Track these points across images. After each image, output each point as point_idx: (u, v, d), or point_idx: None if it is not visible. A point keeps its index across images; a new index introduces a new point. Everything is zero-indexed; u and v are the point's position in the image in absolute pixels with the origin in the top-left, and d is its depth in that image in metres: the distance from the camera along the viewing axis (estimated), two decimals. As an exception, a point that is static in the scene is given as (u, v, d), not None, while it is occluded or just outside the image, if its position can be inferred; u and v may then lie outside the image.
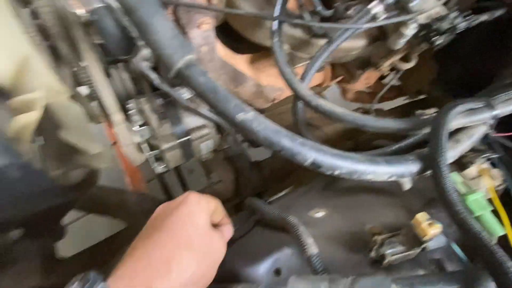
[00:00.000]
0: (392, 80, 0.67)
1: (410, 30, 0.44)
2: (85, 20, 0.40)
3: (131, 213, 0.69)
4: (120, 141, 0.50)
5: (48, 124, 0.59)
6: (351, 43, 0.50)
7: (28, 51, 0.39)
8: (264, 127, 0.29)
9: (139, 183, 0.99)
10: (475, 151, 0.35)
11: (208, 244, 0.27)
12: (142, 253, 0.24)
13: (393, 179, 0.31)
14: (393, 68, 0.63)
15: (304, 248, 0.32)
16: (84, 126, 0.53)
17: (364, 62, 0.59)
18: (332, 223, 0.39)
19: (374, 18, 0.41)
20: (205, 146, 0.55)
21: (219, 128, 0.55)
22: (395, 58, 0.56)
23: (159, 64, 0.51)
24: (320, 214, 0.42)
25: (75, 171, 0.61)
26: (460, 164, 0.34)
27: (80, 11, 0.37)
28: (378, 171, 0.30)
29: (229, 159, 0.76)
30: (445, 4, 0.45)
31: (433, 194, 0.39)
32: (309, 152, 0.29)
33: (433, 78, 0.75)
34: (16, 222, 0.42)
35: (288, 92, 0.60)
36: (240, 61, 0.55)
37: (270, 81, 0.57)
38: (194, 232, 0.26)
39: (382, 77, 0.83)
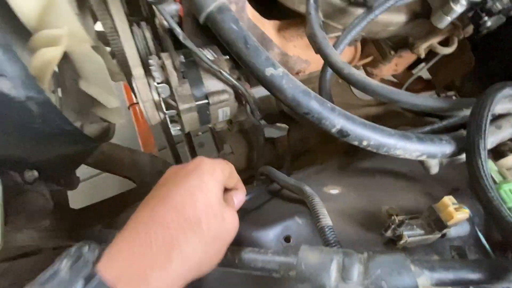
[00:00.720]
0: (423, 68, 0.63)
1: (459, 7, 0.40)
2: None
3: (142, 173, 0.69)
4: (139, 97, 0.49)
5: (68, 75, 0.59)
6: (391, 17, 0.46)
7: (55, -9, 0.38)
8: (293, 85, 0.27)
9: (151, 148, 0.99)
10: (516, 140, 0.32)
11: (219, 225, 0.24)
12: (143, 230, 0.21)
13: (423, 158, 0.29)
14: (427, 56, 0.59)
15: (318, 218, 0.31)
16: (105, 78, 0.52)
17: (400, 42, 0.55)
18: (347, 200, 0.37)
19: (423, -13, 0.37)
20: (222, 113, 0.54)
21: (238, 97, 0.54)
22: (435, 40, 0.52)
23: (183, 20, 0.49)
24: (334, 191, 0.40)
25: (92, 125, 0.61)
26: (498, 152, 0.32)
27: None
28: (408, 147, 0.28)
29: (243, 132, 0.75)
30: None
31: (457, 184, 0.37)
32: (338, 118, 0.27)
33: (467, 72, 0.70)
34: (32, 163, 0.42)
35: (313, 67, 0.58)
36: (268, 27, 0.52)
37: (296, 52, 0.54)
38: (203, 210, 0.23)
39: (411, 68, 0.79)
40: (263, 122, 0.82)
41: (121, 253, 0.20)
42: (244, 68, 0.28)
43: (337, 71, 0.35)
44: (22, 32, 0.37)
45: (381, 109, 0.82)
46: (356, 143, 0.28)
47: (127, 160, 0.71)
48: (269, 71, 0.27)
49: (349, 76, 0.34)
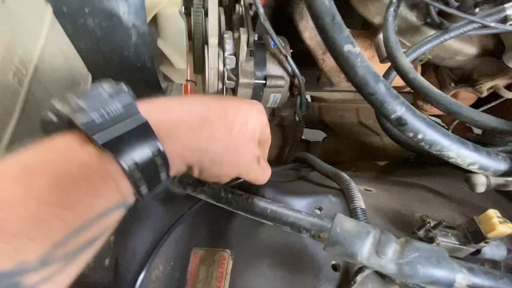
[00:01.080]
0: (481, 109, 0.62)
1: (537, 48, 0.41)
2: None
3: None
4: (207, 63, 0.54)
5: (151, 31, 0.66)
6: (462, 46, 0.47)
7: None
8: (366, 65, 0.29)
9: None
10: None
11: (246, 145, 0.23)
12: (187, 101, 0.21)
13: (474, 168, 0.30)
14: (487, 98, 0.58)
15: (352, 200, 0.32)
16: (181, 41, 0.58)
17: (462, 76, 0.55)
18: (381, 199, 0.37)
19: (505, 20, 0.38)
20: (273, 98, 0.57)
21: (291, 88, 0.57)
22: (501, 82, 0.52)
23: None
24: (369, 190, 0.41)
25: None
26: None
27: None
28: (462, 151, 0.29)
29: (282, 126, 0.78)
30: None
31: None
32: (400, 106, 0.29)
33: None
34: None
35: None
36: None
37: (358, 61, 0.57)
38: (240, 123, 0.22)
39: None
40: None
41: (159, 102, 0.19)
42: (324, 41, 0.31)
43: (403, 75, 0.36)
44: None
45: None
46: (411, 134, 0.29)
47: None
48: (347, 47, 0.29)
49: (414, 80, 0.35)
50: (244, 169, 0.24)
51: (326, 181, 0.38)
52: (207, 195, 0.29)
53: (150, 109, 0.18)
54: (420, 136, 0.29)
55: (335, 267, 0.28)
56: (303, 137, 0.80)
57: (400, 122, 0.29)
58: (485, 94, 0.54)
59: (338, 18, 0.29)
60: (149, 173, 0.17)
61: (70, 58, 0.31)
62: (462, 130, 0.84)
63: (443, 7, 0.39)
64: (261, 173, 0.26)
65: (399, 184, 0.43)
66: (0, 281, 0.13)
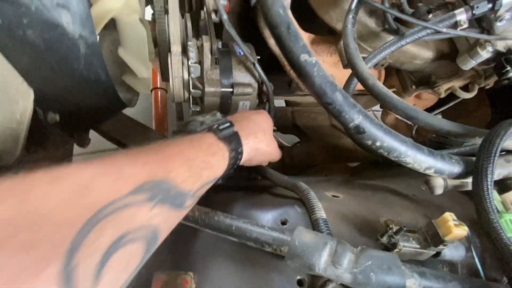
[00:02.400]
0: (441, 110, 0.65)
1: (485, 52, 0.43)
2: None
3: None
4: (171, 72, 0.52)
5: (107, 42, 0.63)
6: (419, 50, 0.49)
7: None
8: (323, 75, 0.29)
9: (164, 134, 1.02)
10: (523, 178, 0.33)
11: (270, 140, 0.37)
12: (244, 122, 0.34)
13: (430, 172, 0.30)
14: (446, 101, 0.61)
15: (313, 211, 0.31)
16: (143, 49, 0.55)
17: (422, 79, 0.58)
18: (347, 205, 0.38)
19: (456, 25, 0.40)
20: (242, 105, 0.56)
21: (260, 95, 0.56)
22: (456, 84, 0.54)
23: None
24: (335, 196, 0.41)
25: (118, 91, 0.64)
26: (503, 186, 0.32)
27: None
28: (418, 157, 0.29)
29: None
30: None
31: (461, 215, 0.37)
32: (357, 114, 0.29)
33: (484, 126, 0.72)
34: (57, 107, 0.44)
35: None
36: (304, 37, 0.55)
37: (323, 66, 0.57)
38: (265, 128, 0.36)
39: (430, 112, 0.81)
40: (275, 129, 0.84)
41: (237, 122, 0.33)
42: (281, 50, 0.30)
43: (362, 81, 0.37)
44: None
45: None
46: (369, 142, 0.29)
47: (140, 135, 0.73)
48: (303, 57, 0.29)
49: (373, 87, 0.36)
50: (274, 155, 0.38)
51: (288, 193, 0.38)
52: None
53: (236, 124, 0.32)
54: (378, 144, 0.29)
55: (300, 282, 0.28)
56: (278, 143, 0.80)
57: (358, 130, 0.29)
58: (443, 95, 0.56)
59: (293, 27, 0.29)
60: (236, 157, 0.29)
61: (4, 75, 0.29)
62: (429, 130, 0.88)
63: (398, 14, 0.40)
64: (280, 154, 0.41)
65: (366, 188, 0.43)
66: (177, 196, 0.21)
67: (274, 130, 0.75)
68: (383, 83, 0.66)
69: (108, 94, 0.42)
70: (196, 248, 0.30)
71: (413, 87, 0.59)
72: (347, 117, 0.29)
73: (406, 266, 0.25)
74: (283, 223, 0.32)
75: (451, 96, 0.59)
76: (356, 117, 0.29)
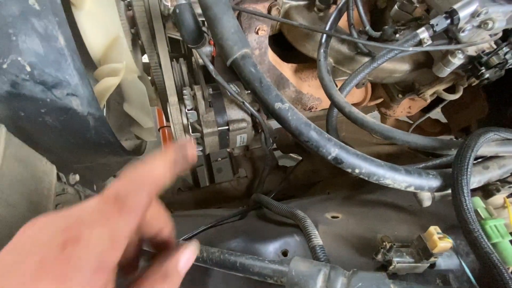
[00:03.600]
0: (432, 111, 0.67)
1: (457, 60, 0.45)
2: (168, 13, 0.49)
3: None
4: (171, 120, 0.58)
5: (113, 98, 0.70)
6: (395, 65, 0.52)
7: (119, 33, 0.49)
8: (296, 118, 0.33)
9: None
10: (505, 181, 0.35)
11: None
12: None
13: (411, 189, 0.33)
14: (441, 100, 0.63)
15: (310, 238, 0.34)
16: (145, 103, 0.62)
17: (406, 87, 0.60)
18: (345, 225, 0.40)
19: (420, 43, 0.43)
20: (240, 139, 0.61)
21: (255, 126, 0.60)
22: (440, 88, 0.56)
23: (214, 59, 0.58)
24: (335, 217, 0.43)
25: (127, 141, 0.70)
26: (486, 191, 0.34)
27: (168, 4, 0.46)
28: (396, 178, 0.32)
29: (253, 159, 0.81)
30: (499, 39, 0.45)
31: (453, 221, 0.39)
32: (333, 147, 0.32)
33: (483, 118, 0.72)
34: (75, 168, 0.50)
35: (324, 104, 0.64)
36: (286, 69, 0.60)
37: (310, 90, 0.61)
38: None
39: (426, 110, 0.82)
40: (278, 151, 0.87)
41: None
42: (259, 102, 0.34)
43: (340, 109, 0.40)
44: (89, 64, 0.48)
45: (394, 148, 0.85)
46: (349, 170, 0.32)
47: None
48: (277, 105, 0.33)
49: (350, 114, 0.39)
50: None
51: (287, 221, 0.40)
52: None
53: None
54: (357, 171, 0.32)
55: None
56: (280, 164, 0.83)
57: (337, 161, 0.32)
58: (429, 100, 0.58)
59: (265, 81, 0.33)
60: None
61: (30, 162, 0.34)
62: (431, 126, 0.89)
63: (365, 42, 0.44)
64: None
65: (364, 204, 0.46)
66: None
67: (275, 149, 0.78)
68: (371, 95, 0.68)
69: (117, 151, 0.47)
70: (208, 285, 0.33)
71: (400, 96, 0.61)
72: (325, 151, 0.32)
73: (395, 283, 0.28)
74: (284, 253, 0.35)
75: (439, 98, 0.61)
76: (332, 150, 0.32)
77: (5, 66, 0.31)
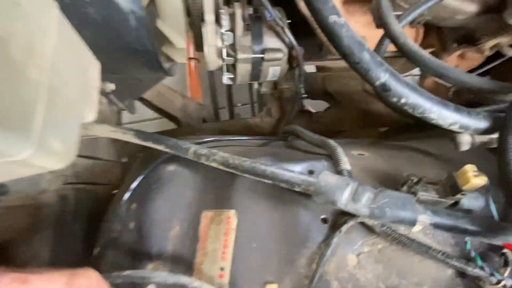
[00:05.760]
0: (486, 68, 0.61)
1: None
2: None
3: (189, 116, 0.78)
4: (205, 40, 0.55)
5: (149, 12, 0.67)
6: (462, 4, 0.46)
7: None
8: (351, 35, 0.31)
9: (198, 99, 1.08)
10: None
11: None
12: None
13: (455, 128, 0.32)
14: (493, 57, 0.57)
15: (338, 163, 0.35)
16: (179, 20, 0.59)
17: (464, 36, 0.54)
18: (371, 162, 0.40)
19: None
20: (272, 71, 0.59)
21: (290, 60, 0.58)
22: (504, 40, 0.50)
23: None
24: (361, 154, 0.43)
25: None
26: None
27: None
28: (444, 113, 0.31)
29: (282, 99, 0.80)
30: None
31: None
32: (384, 73, 0.31)
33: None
34: (112, 76, 0.51)
35: (369, 44, 0.59)
36: (336, -2, 0.55)
37: (356, 27, 0.56)
38: None
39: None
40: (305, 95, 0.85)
41: None
42: (311, 12, 0.32)
43: (394, 40, 0.37)
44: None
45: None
46: (395, 99, 0.31)
47: (179, 102, 0.80)
48: (332, 18, 0.30)
49: (404, 45, 0.36)
50: None
51: (316, 150, 0.41)
52: (218, 163, 0.33)
53: None
54: (403, 100, 0.31)
55: (324, 220, 0.32)
56: (306, 108, 0.81)
57: (384, 88, 0.31)
58: (487, 53, 0.53)
59: (323, -11, 0.30)
60: None
61: (79, 50, 0.34)
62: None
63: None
64: None
65: (393, 147, 0.45)
66: None
67: (304, 97, 0.76)
68: (421, 43, 0.63)
69: (153, 63, 0.47)
70: (237, 190, 0.36)
71: (454, 45, 0.56)
72: (374, 76, 0.31)
73: (422, 204, 0.28)
74: (310, 172, 0.36)
75: (498, 54, 0.55)
76: (382, 76, 0.30)
77: None
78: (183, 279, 0.30)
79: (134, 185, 0.42)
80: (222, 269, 0.32)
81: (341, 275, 0.29)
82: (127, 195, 0.41)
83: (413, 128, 0.62)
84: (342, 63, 0.89)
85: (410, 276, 0.29)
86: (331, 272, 0.29)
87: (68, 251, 0.47)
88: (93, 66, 0.37)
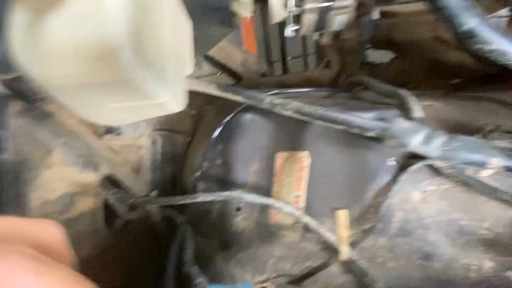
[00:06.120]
0: None
1: None
2: None
3: (249, 70, 0.82)
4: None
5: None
6: None
7: None
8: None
9: (254, 52, 1.11)
10: None
11: None
12: None
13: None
14: None
15: (410, 111, 0.36)
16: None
17: None
18: (443, 111, 0.41)
19: None
20: (338, 20, 0.58)
21: (359, 7, 0.56)
22: None
23: None
24: (432, 105, 0.44)
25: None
26: None
27: None
28: (536, 59, 0.29)
29: (343, 50, 0.77)
30: None
31: None
32: (472, 19, 0.30)
33: None
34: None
35: None
36: None
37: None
38: None
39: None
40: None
41: None
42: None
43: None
44: None
45: None
46: (480, 46, 0.31)
47: (239, 57, 0.84)
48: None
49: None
50: None
51: (384, 101, 0.42)
52: (292, 111, 0.38)
53: None
54: (490, 47, 0.30)
55: (393, 162, 0.36)
56: (368, 60, 0.78)
57: (470, 34, 0.30)
58: None
59: None
60: None
61: (180, 9, 0.39)
62: None
63: None
64: None
65: (466, 98, 0.44)
66: None
67: (368, 48, 0.73)
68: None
69: (226, 19, 0.50)
70: (309, 135, 0.41)
71: None
72: (459, 21, 0.30)
73: (496, 149, 0.30)
74: (381, 119, 0.39)
75: None
76: (470, 21, 0.30)
77: None
78: (269, 200, 0.37)
79: (217, 131, 0.50)
80: (297, 196, 0.39)
81: (406, 207, 0.34)
82: (213, 139, 0.50)
83: (491, 79, 0.57)
84: (413, 6, 0.81)
85: (473, 213, 0.32)
86: (396, 204, 0.34)
87: (161, 186, 0.60)
88: (188, 24, 0.42)
